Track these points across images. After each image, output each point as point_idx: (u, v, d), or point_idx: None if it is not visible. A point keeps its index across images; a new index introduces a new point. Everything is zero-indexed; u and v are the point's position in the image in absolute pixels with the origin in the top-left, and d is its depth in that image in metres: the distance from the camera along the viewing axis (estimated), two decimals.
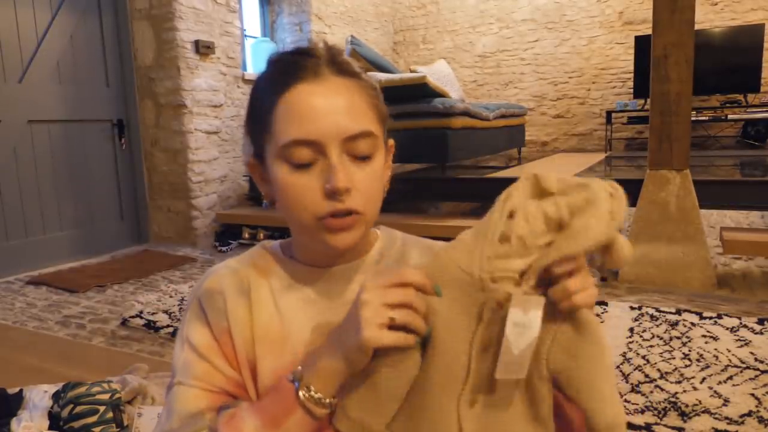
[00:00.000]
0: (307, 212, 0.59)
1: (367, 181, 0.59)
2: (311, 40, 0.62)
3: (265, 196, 0.66)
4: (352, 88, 0.59)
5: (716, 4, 5.15)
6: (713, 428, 1.39)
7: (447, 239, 0.71)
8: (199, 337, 0.64)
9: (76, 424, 1.32)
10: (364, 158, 0.59)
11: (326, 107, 0.57)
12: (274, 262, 0.68)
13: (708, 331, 2.00)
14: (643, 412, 1.48)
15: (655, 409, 1.49)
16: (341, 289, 0.66)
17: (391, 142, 0.67)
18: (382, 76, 3.50)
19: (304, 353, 0.63)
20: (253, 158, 0.65)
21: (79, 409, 1.33)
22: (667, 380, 1.65)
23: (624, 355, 1.83)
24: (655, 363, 1.76)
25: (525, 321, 0.51)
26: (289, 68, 0.59)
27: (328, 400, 0.56)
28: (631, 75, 5.35)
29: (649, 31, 2.72)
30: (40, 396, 1.43)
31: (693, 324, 2.07)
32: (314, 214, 0.59)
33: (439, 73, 4.39)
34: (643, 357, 1.81)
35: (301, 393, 0.56)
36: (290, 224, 0.65)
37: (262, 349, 0.63)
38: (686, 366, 1.74)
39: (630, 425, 1.42)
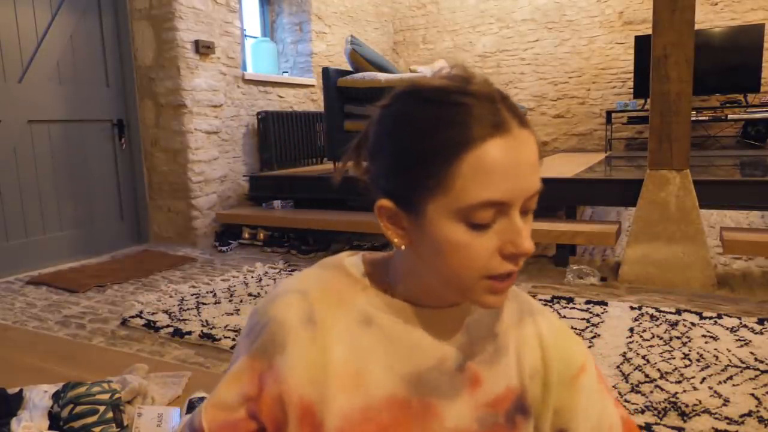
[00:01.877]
0: (475, 271, 0.54)
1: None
2: (468, 76, 0.55)
3: (398, 242, 0.58)
4: (533, 142, 0.53)
5: (716, 4, 5.15)
6: (713, 428, 1.39)
7: None
8: (238, 368, 0.61)
9: (76, 424, 1.32)
10: (528, 212, 0.55)
11: (518, 166, 0.52)
12: (357, 291, 0.61)
13: (708, 331, 2.00)
14: (643, 412, 1.48)
15: (655, 409, 1.49)
16: (424, 332, 0.60)
17: None
18: (382, 76, 3.50)
19: (378, 396, 0.58)
20: (389, 201, 0.56)
21: (79, 409, 1.33)
22: (667, 380, 1.65)
23: (624, 355, 1.83)
24: (655, 363, 1.76)
25: None
26: (472, 117, 0.52)
27: None
28: (631, 75, 5.35)
29: (649, 31, 2.72)
30: (40, 396, 1.43)
31: (693, 324, 2.07)
32: (483, 274, 0.54)
33: None
34: (643, 357, 1.81)
35: None
36: (432, 273, 0.57)
37: (334, 386, 0.57)
38: (686, 366, 1.74)
39: None
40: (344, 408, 0.57)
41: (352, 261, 0.64)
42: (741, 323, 2.05)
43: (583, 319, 2.17)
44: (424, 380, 0.59)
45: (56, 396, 1.41)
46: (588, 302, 2.36)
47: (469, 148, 0.51)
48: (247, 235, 3.80)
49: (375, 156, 0.58)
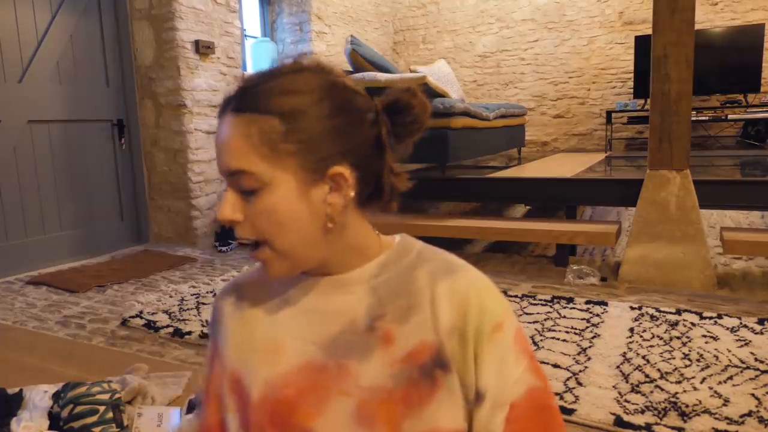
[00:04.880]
0: None
1: (257, 214, 0.59)
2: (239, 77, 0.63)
3: None
4: (240, 125, 0.59)
5: (716, 4, 5.15)
6: (713, 428, 1.39)
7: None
8: (207, 351, 0.75)
9: (76, 424, 1.32)
10: (249, 192, 0.59)
11: (219, 145, 0.61)
12: None
13: (708, 331, 2.00)
14: (643, 412, 1.48)
15: (655, 409, 1.49)
16: (331, 299, 0.65)
17: (337, 170, 0.59)
18: (382, 76, 3.50)
19: (295, 363, 0.64)
20: None
21: (79, 409, 1.33)
22: (667, 380, 1.65)
23: (624, 355, 1.83)
24: (655, 363, 1.76)
25: None
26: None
27: None
28: (631, 75, 5.35)
29: (649, 31, 2.72)
30: (40, 396, 1.43)
31: (693, 324, 2.07)
32: None
33: (439, 73, 4.39)
34: (643, 357, 1.81)
35: None
36: None
37: (257, 359, 0.66)
38: (686, 366, 1.74)
39: (630, 425, 1.42)
40: (266, 376, 0.64)
41: None
42: (741, 323, 2.05)
43: (583, 319, 2.17)
44: (337, 344, 0.63)
45: (56, 396, 1.41)
46: (588, 302, 2.36)
47: None
48: None
49: None
